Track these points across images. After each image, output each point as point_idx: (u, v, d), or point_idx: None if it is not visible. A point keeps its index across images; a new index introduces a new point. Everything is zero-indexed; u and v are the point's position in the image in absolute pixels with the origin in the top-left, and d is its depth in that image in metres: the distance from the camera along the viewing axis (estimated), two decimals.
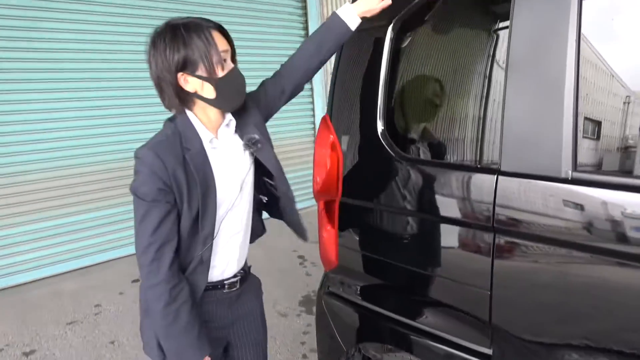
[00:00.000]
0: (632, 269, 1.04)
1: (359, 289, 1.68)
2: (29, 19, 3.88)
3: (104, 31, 4.29)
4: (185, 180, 1.23)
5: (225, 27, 1.30)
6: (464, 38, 1.48)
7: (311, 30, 5.71)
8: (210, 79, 1.23)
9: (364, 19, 1.46)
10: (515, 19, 1.20)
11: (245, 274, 1.50)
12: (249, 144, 1.35)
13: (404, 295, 1.56)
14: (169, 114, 1.35)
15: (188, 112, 1.31)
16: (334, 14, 1.46)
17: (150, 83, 1.29)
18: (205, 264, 1.33)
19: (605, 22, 1.12)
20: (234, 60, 1.32)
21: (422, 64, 1.57)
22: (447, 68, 1.50)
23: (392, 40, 1.51)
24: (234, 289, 1.44)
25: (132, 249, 1.37)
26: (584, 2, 1.09)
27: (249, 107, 1.39)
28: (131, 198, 1.24)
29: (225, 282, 1.42)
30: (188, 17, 1.26)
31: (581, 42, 1.10)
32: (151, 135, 1.29)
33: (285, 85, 1.46)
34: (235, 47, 1.32)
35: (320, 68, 1.50)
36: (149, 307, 1.28)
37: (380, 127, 1.53)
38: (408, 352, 1.51)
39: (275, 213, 1.55)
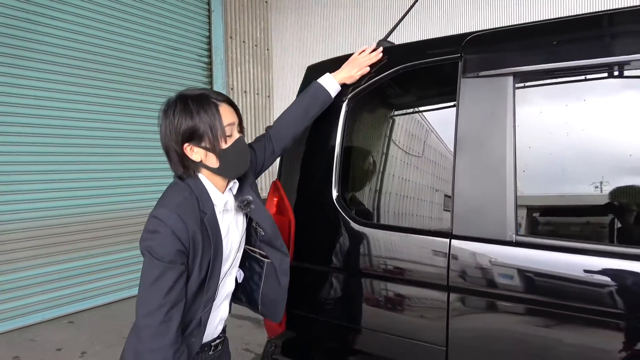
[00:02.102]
0: (573, 320, 1.23)
1: (310, 355, 1.68)
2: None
3: (97, 86, 4.42)
4: (202, 243, 1.26)
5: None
6: (413, 116, 1.68)
7: None
8: (214, 150, 1.29)
9: (343, 85, 1.66)
10: (461, 110, 1.42)
11: (225, 334, 1.51)
12: (242, 205, 1.39)
13: (359, 357, 1.59)
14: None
15: (200, 176, 1.34)
16: (316, 83, 1.64)
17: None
18: (202, 325, 1.33)
19: (534, 114, 1.39)
20: (241, 130, 1.39)
21: (375, 137, 1.73)
22: (398, 142, 1.68)
23: (346, 113, 1.66)
24: (218, 349, 1.45)
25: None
26: (516, 105, 1.35)
27: (247, 170, 1.46)
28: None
29: (211, 343, 1.42)
30: (200, 90, 1.34)
31: (516, 127, 1.35)
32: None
33: (275, 147, 1.58)
34: (241, 120, 1.39)
35: (304, 130, 1.66)
36: None
37: (335, 193, 1.63)
38: None
39: (245, 293, 1.58)
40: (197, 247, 1.26)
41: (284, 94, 6.61)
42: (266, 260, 1.51)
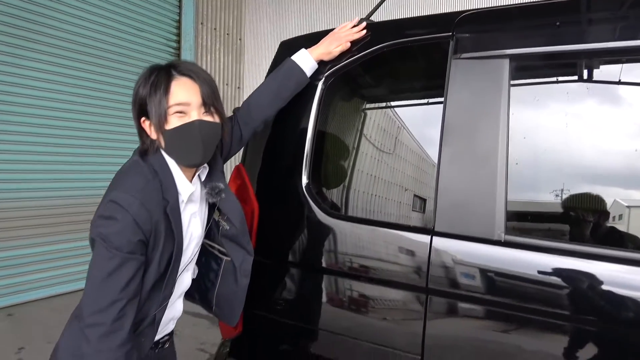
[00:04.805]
0: (567, 328, 1.10)
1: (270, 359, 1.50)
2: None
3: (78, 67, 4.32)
4: (164, 235, 1.12)
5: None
6: (396, 99, 1.53)
7: None
8: (159, 129, 1.16)
9: (320, 63, 1.47)
10: (450, 94, 1.28)
11: (172, 332, 1.38)
12: (212, 193, 1.25)
13: None
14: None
15: (166, 157, 1.20)
16: (290, 60, 1.45)
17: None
18: (156, 324, 1.21)
19: (531, 101, 1.26)
20: (210, 112, 1.21)
21: (353, 121, 1.58)
22: (378, 127, 1.53)
23: (322, 93, 1.49)
24: (164, 347, 1.33)
25: None
26: (511, 90, 1.22)
27: (216, 154, 1.32)
28: None
29: (160, 340, 1.29)
30: (171, 61, 1.23)
31: (510, 115, 1.21)
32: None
33: (244, 132, 1.42)
34: (211, 100, 1.22)
35: (276, 113, 1.48)
36: None
37: (304, 180, 1.46)
38: None
39: (198, 291, 1.45)
40: (159, 239, 1.12)
41: (255, 86, 6.39)
42: (225, 257, 1.36)
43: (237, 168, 1.60)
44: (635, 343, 1.05)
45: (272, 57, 1.66)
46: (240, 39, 6.43)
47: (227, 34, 6.23)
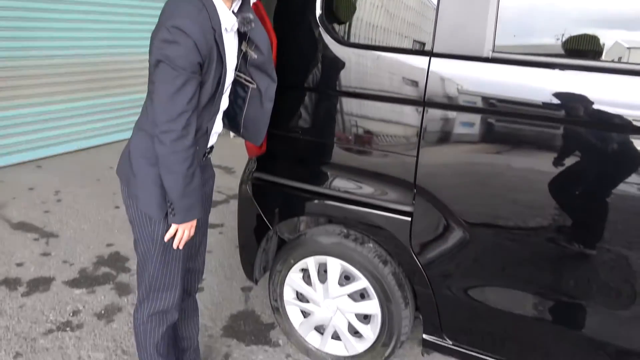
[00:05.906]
0: (534, 130, 1.37)
1: (289, 171, 1.81)
2: None
3: None
4: (215, 58, 1.31)
5: None
6: None
7: None
8: None
9: None
10: None
11: (213, 146, 1.61)
12: (244, 23, 1.39)
13: (334, 170, 1.73)
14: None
15: None
16: None
17: None
18: (207, 134, 1.45)
19: None
20: None
21: None
22: None
23: None
24: (209, 157, 1.58)
25: None
26: None
27: None
28: None
29: (206, 151, 1.53)
30: None
31: None
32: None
33: None
34: None
35: None
36: (170, 169, 1.32)
37: (318, 11, 1.62)
38: (336, 223, 1.73)
39: (228, 117, 1.63)
40: (212, 63, 1.31)
41: None
42: (251, 85, 1.55)
43: (255, 5, 1.73)
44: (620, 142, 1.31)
45: None
46: None
47: None
